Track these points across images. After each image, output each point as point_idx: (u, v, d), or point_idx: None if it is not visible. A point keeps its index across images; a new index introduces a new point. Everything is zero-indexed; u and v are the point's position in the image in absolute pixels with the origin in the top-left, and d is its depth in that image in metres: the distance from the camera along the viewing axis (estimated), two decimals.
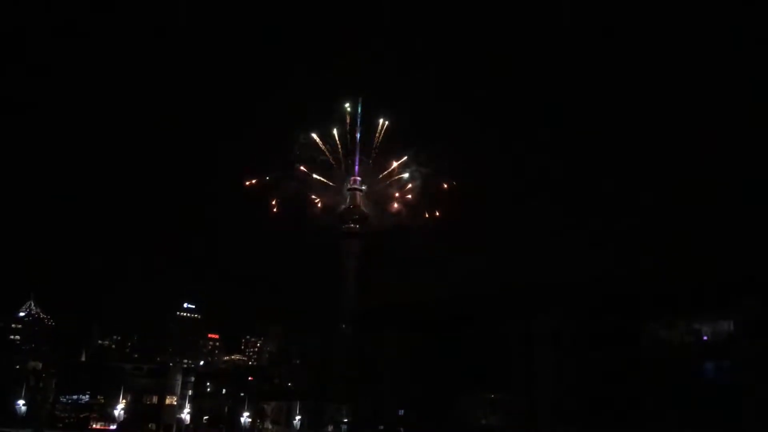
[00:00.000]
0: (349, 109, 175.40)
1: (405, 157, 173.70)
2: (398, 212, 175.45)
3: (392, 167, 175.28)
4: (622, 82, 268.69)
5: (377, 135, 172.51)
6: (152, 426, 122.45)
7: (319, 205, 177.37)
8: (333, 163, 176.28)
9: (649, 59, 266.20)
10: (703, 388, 77.57)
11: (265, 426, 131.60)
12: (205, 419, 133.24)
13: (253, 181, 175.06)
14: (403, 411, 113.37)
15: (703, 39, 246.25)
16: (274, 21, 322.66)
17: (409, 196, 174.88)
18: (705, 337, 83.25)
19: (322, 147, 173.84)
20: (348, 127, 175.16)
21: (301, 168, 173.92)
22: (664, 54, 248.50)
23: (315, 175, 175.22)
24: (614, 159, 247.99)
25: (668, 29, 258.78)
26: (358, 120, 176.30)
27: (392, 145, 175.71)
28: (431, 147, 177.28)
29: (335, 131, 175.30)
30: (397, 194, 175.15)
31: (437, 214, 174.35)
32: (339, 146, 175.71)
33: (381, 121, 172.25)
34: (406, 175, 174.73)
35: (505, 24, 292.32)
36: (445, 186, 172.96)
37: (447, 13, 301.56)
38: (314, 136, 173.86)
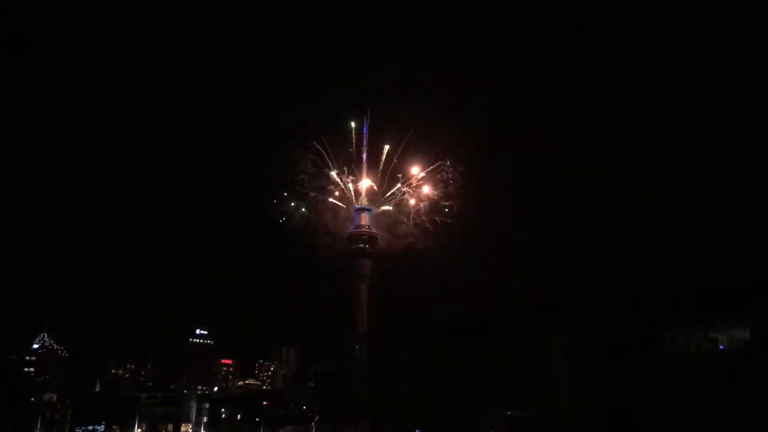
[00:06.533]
0: (354, 125, 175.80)
1: (411, 180, 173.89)
2: (408, 234, 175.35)
3: (398, 188, 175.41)
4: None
5: (382, 159, 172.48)
6: None
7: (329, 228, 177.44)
8: (341, 185, 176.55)
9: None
10: (722, 396, 76.55)
11: None
12: None
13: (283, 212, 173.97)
14: (419, 430, 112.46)
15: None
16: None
17: (419, 219, 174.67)
18: (721, 347, 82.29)
19: (331, 176, 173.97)
20: (354, 148, 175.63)
21: (310, 193, 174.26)
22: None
23: (325, 198, 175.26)
24: (623, 169, 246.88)
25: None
26: (365, 141, 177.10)
27: (399, 166, 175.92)
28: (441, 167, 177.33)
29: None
30: (405, 219, 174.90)
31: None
32: (345, 170, 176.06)
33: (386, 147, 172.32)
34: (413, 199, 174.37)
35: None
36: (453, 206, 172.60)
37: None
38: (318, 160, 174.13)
